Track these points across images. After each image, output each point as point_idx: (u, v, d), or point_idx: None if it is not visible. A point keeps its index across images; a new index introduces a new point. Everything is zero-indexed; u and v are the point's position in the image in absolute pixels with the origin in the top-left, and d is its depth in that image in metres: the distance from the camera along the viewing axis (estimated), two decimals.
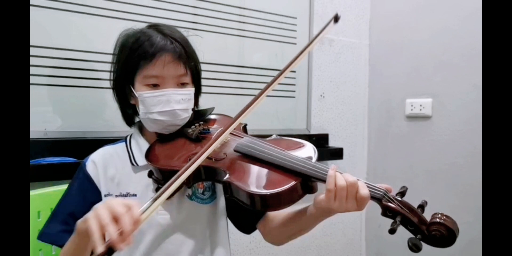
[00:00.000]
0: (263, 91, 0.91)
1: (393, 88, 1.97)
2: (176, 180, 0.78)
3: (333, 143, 1.92)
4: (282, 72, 0.92)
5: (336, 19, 0.95)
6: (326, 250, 1.94)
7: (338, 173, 0.81)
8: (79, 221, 0.77)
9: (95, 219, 0.68)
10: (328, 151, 1.84)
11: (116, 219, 0.67)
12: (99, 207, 0.70)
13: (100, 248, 0.65)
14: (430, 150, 1.83)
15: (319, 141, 1.86)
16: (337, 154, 1.88)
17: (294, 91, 1.81)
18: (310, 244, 1.88)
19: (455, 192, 1.74)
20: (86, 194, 0.96)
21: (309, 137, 1.81)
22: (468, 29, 1.68)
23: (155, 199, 0.74)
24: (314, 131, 1.86)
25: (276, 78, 0.92)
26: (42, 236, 0.94)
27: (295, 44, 1.79)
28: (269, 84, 0.91)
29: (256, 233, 1.06)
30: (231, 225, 1.08)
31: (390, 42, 1.98)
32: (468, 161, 1.69)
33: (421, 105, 1.84)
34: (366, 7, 2.04)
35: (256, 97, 0.90)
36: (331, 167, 0.81)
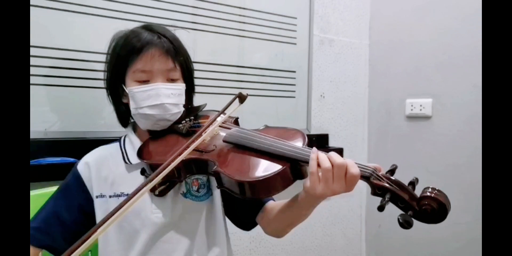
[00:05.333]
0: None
1: (393, 88, 1.97)
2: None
3: (333, 143, 1.92)
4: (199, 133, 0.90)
5: (241, 99, 0.94)
6: (326, 250, 1.94)
7: (323, 155, 0.79)
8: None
9: None
10: (328, 151, 1.84)
11: None
12: None
13: None
14: (430, 150, 1.83)
15: (319, 141, 1.86)
16: (337, 154, 1.87)
17: (294, 91, 1.81)
18: (310, 244, 1.88)
19: (455, 192, 1.72)
20: (73, 196, 0.96)
21: (309, 137, 1.80)
22: (468, 29, 1.68)
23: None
24: (314, 131, 1.86)
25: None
26: None
27: (295, 44, 1.79)
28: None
29: (256, 233, 1.06)
30: (231, 225, 1.08)
31: (390, 42, 1.98)
32: (468, 161, 1.69)
33: (421, 105, 1.84)
34: (366, 7, 2.04)
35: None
36: (312, 150, 0.80)
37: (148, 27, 0.97)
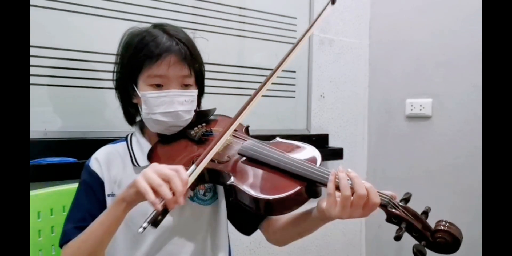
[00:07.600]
0: (266, 81, 0.94)
1: (393, 88, 1.97)
2: (213, 147, 0.82)
3: (333, 143, 1.92)
4: (286, 56, 0.95)
5: (333, 1, 0.95)
6: (326, 250, 1.94)
7: (344, 181, 0.78)
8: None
9: (146, 182, 0.72)
10: (328, 151, 1.84)
11: (166, 181, 0.72)
12: (147, 171, 0.74)
13: (159, 206, 0.70)
14: (430, 150, 1.83)
15: (319, 141, 1.85)
16: (337, 154, 1.88)
17: (294, 91, 1.81)
18: (310, 244, 1.88)
19: (455, 192, 1.74)
20: (95, 192, 0.95)
21: (309, 137, 1.81)
22: (468, 29, 1.68)
23: (198, 164, 0.78)
24: (314, 131, 1.86)
25: (278, 66, 0.95)
26: (61, 240, 0.91)
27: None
28: (273, 71, 0.93)
29: (256, 234, 1.06)
30: (230, 226, 1.08)
31: (390, 42, 1.98)
32: (468, 161, 1.69)
33: (421, 105, 1.84)
34: (366, 7, 2.04)
35: (257, 91, 0.92)
36: (331, 172, 0.80)
37: (165, 30, 0.95)
